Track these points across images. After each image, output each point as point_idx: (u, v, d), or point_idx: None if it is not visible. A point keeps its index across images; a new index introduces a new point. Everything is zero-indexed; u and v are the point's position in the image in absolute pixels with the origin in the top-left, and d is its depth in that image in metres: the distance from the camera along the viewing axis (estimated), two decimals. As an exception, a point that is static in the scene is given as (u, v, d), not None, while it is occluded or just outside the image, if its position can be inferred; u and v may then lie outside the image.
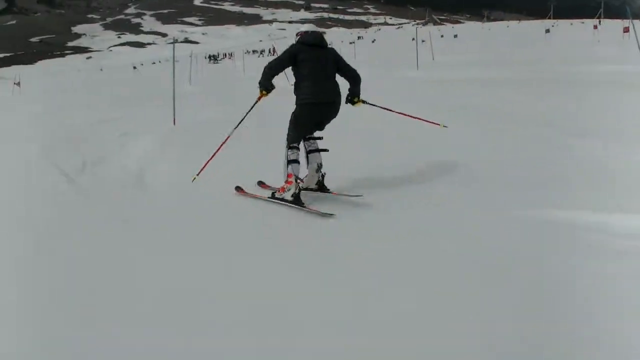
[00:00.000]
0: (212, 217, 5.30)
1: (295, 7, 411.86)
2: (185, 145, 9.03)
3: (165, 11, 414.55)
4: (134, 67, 55.42)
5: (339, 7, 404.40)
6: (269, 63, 5.46)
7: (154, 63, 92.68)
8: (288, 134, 5.50)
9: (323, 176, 5.60)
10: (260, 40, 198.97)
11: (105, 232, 4.92)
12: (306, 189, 5.59)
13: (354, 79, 5.69)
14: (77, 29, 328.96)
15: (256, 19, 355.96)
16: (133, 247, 4.51)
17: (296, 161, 5.44)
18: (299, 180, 5.41)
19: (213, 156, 6.05)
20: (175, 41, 13.43)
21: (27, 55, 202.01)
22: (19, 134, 11.78)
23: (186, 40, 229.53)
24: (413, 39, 27.57)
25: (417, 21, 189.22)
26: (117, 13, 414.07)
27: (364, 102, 5.85)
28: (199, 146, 7.89)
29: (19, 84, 35.24)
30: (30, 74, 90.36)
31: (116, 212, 5.60)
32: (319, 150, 5.60)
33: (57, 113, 16.02)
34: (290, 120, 5.54)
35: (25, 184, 7.05)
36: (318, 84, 5.41)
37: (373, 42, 70.90)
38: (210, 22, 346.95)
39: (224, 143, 6.00)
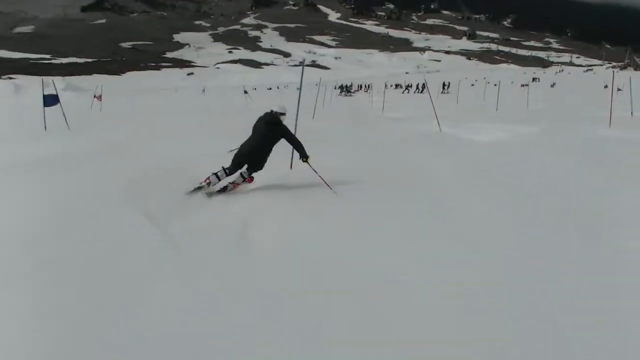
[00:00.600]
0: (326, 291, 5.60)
1: (456, 34, 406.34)
2: (298, 196, 9.06)
3: (292, 25, 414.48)
4: (245, 92, 57.52)
5: (511, 38, 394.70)
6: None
7: (270, 89, 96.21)
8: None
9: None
10: (407, 72, 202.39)
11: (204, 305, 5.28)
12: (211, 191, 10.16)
13: (296, 146, 10.31)
14: (180, 37, 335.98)
15: (404, 45, 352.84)
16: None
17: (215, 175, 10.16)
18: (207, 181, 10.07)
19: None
20: (303, 63, 12.54)
21: (115, 64, 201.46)
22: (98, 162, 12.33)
23: (314, 64, 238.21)
24: (606, 87, 26.75)
25: (613, 63, 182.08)
26: (232, 22, 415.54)
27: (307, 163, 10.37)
28: (313, 198, 8.01)
29: (100, 97, 36.30)
30: (115, 87, 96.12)
31: (216, 279, 5.90)
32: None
33: (144, 140, 16.88)
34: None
35: (103, 226, 7.30)
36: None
37: (552, 86, 69.49)
38: (347, 43, 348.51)
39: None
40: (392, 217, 7.95)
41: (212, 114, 31.31)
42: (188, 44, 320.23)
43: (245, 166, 10.23)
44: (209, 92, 79.57)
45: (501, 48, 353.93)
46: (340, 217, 7.95)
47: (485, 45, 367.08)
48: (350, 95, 70.30)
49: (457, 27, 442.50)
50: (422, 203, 8.85)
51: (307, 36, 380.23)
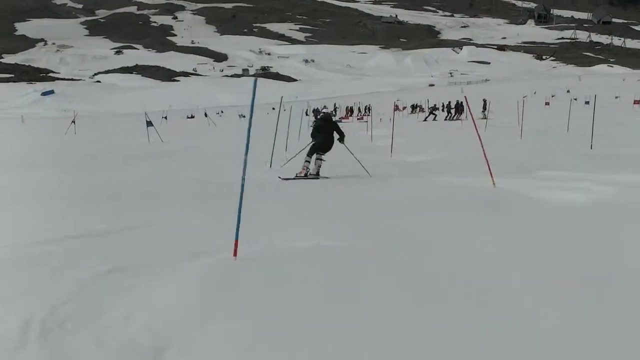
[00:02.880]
0: None
1: (516, 16, 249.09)
2: (246, 300, 5.88)
3: (229, 6, 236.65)
4: (149, 123, 33.00)
5: (615, 19, 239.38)
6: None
7: (191, 116, 79.96)
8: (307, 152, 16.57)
9: (318, 171, 16.17)
10: (431, 85, 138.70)
11: None
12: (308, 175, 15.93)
13: (340, 132, 16.35)
14: (26, 26, 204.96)
15: (425, 36, 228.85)
16: None
17: (308, 161, 16.28)
18: (306, 169, 16.10)
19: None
20: (254, 77, 8.43)
21: None
22: None
23: (267, 73, 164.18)
24: None
25: None
26: (124, 1, 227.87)
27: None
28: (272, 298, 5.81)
29: None
30: None
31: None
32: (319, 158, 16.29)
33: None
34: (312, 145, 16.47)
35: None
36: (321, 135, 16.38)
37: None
38: (326, 35, 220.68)
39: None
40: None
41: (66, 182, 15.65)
42: (42, 39, 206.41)
43: (317, 153, 16.27)
44: (80, 123, 47.15)
45: (597, 38, 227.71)
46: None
47: (568, 33, 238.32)
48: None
49: (519, 3, 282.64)
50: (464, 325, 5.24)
51: (257, 24, 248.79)
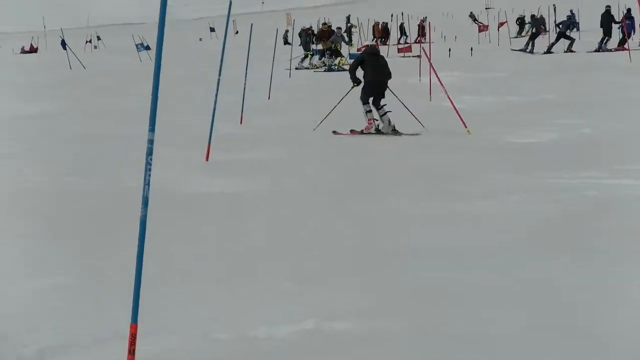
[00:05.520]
0: None
1: None
2: None
3: None
4: None
5: None
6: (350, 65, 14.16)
7: None
8: (360, 97, 13.19)
9: (394, 127, 12.98)
10: None
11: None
12: (381, 132, 13.13)
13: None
14: None
15: None
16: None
17: (369, 111, 13.05)
18: (374, 121, 13.10)
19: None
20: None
21: None
22: None
23: None
24: None
25: None
26: None
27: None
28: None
29: None
30: None
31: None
32: (386, 112, 13.09)
33: None
34: (362, 89, 13.20)
35: None
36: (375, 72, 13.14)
37: None
38: None
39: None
40: None
41: None
42: None
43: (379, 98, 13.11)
44: None
45: None
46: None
47: None
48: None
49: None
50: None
51: None
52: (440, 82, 14.35)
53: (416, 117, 13.42)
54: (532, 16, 37.28)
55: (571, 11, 38.11)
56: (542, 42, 32.90)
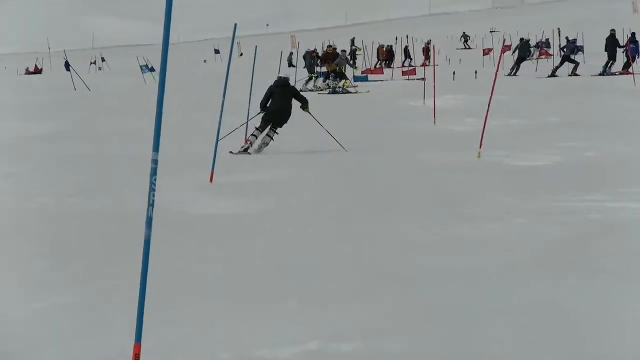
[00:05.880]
0: None
1: None
2: None
3: None
4: None
5: None
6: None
7: None
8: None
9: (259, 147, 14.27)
10: None
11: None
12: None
13: (302, 100, 14.67)
14: None
15: None
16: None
17: (253, 135, 14.32)
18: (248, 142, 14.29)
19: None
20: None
21: None
22: None
23: None
24: None
25: None
26: None
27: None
28: None
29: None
30: None
31: None
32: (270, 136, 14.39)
33: None
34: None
35: None
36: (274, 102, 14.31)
37: None
38: None
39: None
40: None
41: None
42: None
43: (270, 125, 14.21)
44: None
45: None
46: None
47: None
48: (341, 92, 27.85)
49: None
50: None
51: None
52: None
53: (336, 139, 14.02)
54: (521, 39, 37.65)
55: (567, 38, 38.01)
56: (546, 65, 33.18)
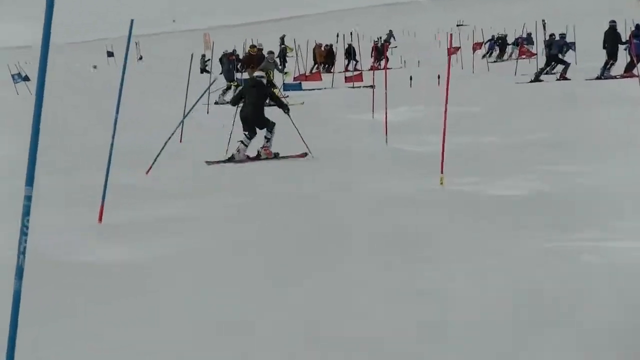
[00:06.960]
0: None
1: None
2: None
3: None
4: None
5: None
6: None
7: None
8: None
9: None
10: None
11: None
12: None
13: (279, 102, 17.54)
14: None
15: None
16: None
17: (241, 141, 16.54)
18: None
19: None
20: None
21: None
22: None
23: None
24: None
25: None
26: None
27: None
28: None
29: None
30: None
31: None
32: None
33: None
34: None
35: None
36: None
37: None
38: None
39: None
40: None
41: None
42: None
43: (257, 128, 15.97)
44: None
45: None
46: None
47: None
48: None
49: None
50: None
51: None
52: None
53: (306, 143, 15.90)
54: (497, 36, 38.64)
55: (552, 35, 37.06)
56: (527, 67, 33.69)
